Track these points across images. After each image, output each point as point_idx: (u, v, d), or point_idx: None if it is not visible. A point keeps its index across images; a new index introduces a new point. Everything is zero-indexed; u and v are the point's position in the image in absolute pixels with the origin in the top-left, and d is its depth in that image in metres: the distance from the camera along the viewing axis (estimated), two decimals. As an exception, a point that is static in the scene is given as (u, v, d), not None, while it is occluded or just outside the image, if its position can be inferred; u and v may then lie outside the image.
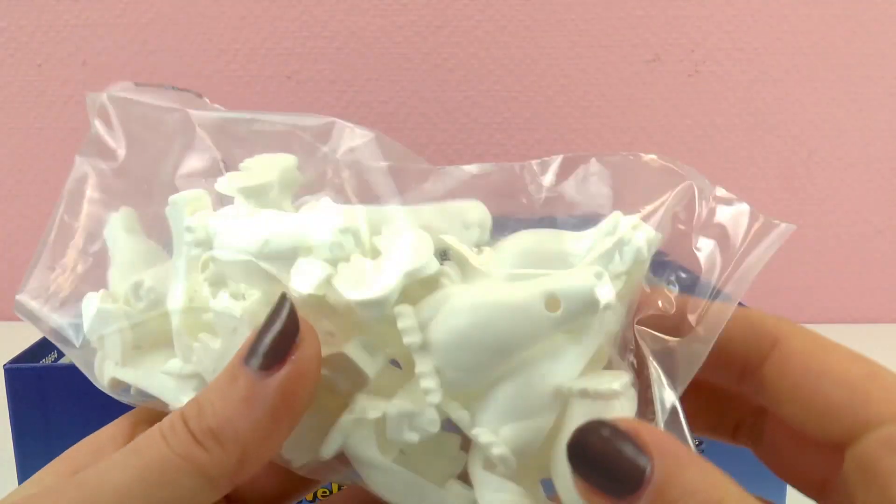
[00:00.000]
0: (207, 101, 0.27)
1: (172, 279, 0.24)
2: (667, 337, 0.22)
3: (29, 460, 0.36)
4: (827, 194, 0.74)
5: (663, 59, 0.71)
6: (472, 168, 0.24)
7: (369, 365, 0.22)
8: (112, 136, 0.27)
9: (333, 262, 0.21)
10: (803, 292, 0.75)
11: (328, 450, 0.22)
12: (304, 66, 0.71)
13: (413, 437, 0.21)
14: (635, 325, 0.22)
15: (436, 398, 0.21)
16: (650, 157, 0.23)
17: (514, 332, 0.20)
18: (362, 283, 0.21)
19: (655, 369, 0.21)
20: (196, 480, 0.19)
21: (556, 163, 0.24)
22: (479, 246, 0.23)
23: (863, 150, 0.73)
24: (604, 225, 0.22)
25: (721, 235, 0.22)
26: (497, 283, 0.21)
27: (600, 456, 0.17)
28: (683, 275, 0.23)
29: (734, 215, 0.22)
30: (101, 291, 0.26)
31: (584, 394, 0.20)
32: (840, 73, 0.71)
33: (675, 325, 0.22)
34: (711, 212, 0.22)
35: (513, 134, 0.73)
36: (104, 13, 0.71)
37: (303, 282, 0.21)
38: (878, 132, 0.73)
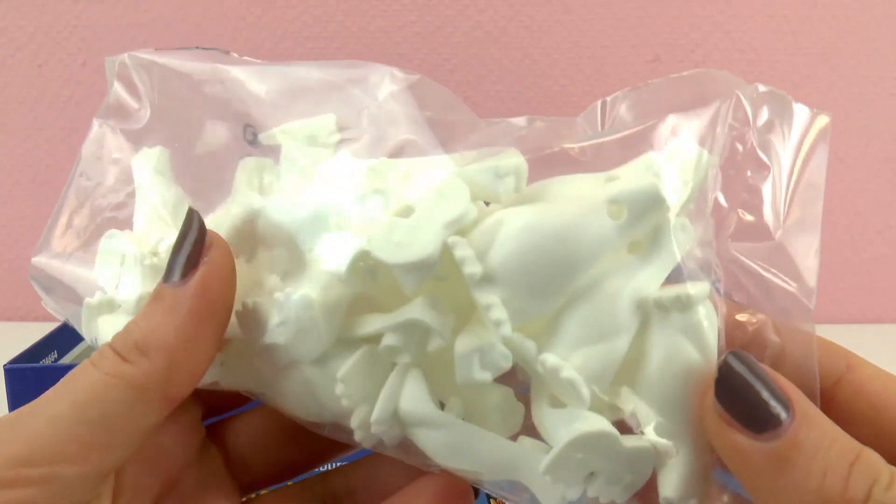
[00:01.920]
0: (236, 55, 0.26)
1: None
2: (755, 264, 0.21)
3: (29, 460, 0.36)
4: (827, 194, 0.73)
5: (663, 59, 0.71)
6: (519, 121, 0.23)
7: (443, 325, 0.20)
8: (134, 97, 0.26)
9: (364, 229, 0.20)
10: (803, 292, 0.75)
11: (381, 415, 0.21)
12: (304, 66, 0.71)
13: (486, 375, 0.20)
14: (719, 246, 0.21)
15: (507, 329, 0.19)
16: (684, 75, 0.22)
17: (579, 247, 0.19)
18: (402, 245, 0.19)
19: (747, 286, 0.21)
20: (126, 393, 0.19)
21: (597, 110, 0.23)
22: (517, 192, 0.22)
23: (863, 150, 0.73)
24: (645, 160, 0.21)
25: (778, 138, 0.22)
26: (552, 203, 0.20)
27: (747, 388, 0.18)
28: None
29: (784, 113, 0.22)
30: (126, 232, 0.25)
31: (659, 304, 0.19)
32: (840, 73, 0.71)
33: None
34: (761, 115, 0.22)
35: (513, 134, 0.72)
36: (104, 13, 0.71)
37: (333, 261, 0.20)
38: (878, 132, 0.73)
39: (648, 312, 0.20)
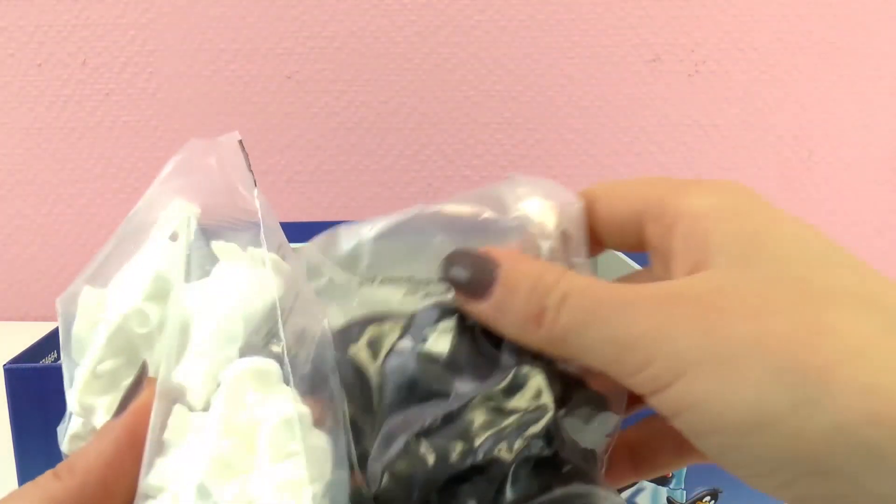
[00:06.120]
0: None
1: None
2: None
3: (29, 460, 0.37)
4: (827, 194, 0.73)
5: (663, 59, 0.71)
6: None
7: None
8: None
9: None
10: (803, 292, 0.75)
11: None
12: (304, 66, 0.71)
13: None
14: None
15: None
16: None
17: None
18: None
19: None
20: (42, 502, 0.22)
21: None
22: None
23: (863, 150, 0.73)
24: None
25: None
26: None
27: (463, 268, 0.23)
28: None
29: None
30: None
31: None
32: (840, 73, 0.71)
33: None
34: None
35: (512, 134, 0.73)
36: (104, 13, 0.71)
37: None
38: (878, 132, 0.73)
39: None
